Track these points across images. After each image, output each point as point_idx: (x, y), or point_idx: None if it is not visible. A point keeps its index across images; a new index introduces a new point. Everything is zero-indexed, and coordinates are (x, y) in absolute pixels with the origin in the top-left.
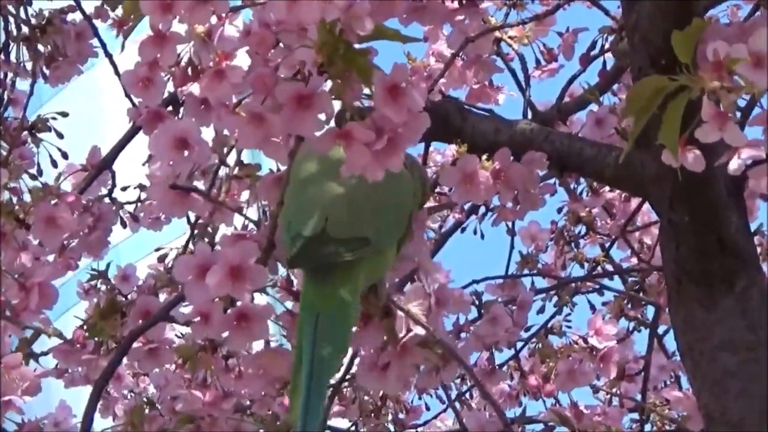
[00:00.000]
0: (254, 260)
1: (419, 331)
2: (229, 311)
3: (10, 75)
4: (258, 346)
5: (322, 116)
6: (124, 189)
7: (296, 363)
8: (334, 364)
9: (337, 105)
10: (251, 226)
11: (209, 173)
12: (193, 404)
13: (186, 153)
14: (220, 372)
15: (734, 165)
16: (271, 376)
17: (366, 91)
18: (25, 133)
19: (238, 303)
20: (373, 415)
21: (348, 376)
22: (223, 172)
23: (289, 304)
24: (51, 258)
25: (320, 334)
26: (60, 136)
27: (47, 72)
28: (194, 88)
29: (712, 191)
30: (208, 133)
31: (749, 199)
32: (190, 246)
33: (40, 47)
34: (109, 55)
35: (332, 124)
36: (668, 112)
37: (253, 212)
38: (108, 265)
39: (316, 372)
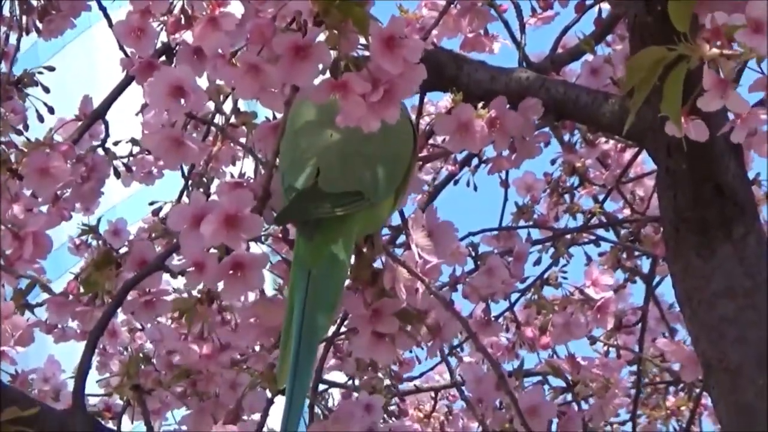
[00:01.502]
0: (250, 209)
1: (401, 293)
2: (224, 260)
3: (3, 29)
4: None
5: (319, 66)
6: (116, 143)
7: (287, 320)
8: (325, 322)
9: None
10: (247, 175)
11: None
12: (190, 358)
13: (182, 101)
14: (217, 325)
15: (737, 135)
16: (267, 326)
17: (362, 41)
18: (12, 88)
19: (233, 252)
20: (369, 368)
21: (344, 330)
22: (219, 120)
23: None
24: (44, 209)
25: (311, 291)
26: (46, 90)
27: (40, 26)
28: (187, 36)
29: (710, 139)
30: (202, 82)
31: (745, 148)
32: (184, 198)
33: (33, 1)
34: (102, 8)
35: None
36: (669, 83)
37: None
38: (99, 220)
39: (305, 331)
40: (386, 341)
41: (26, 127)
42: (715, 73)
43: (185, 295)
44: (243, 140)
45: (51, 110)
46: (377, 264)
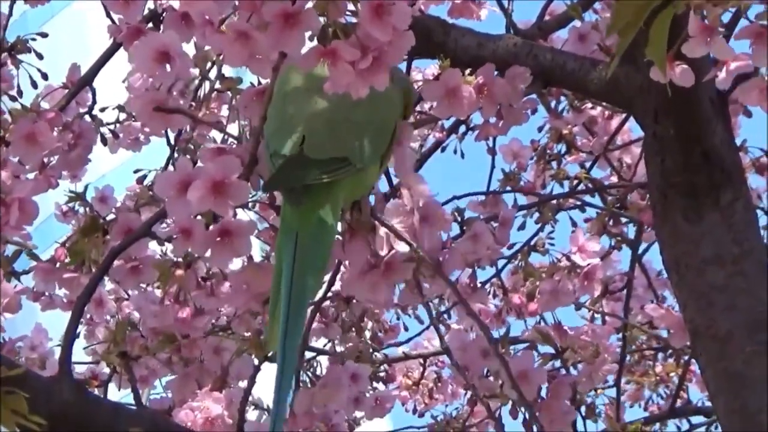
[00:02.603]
0: (237, 175)
1: (402, 247)
2: (211, 227)
3: None
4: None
5: (308, 33)
6: (103, 110)
7: (274, 285)
8: (314, 287)
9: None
10: (232, 141)
11: (189, 90)
12: (165, 320)
13: (168, 66)
14: (194, 289)
15: (722, 78)
16: (255, 292)
17: (350, 7)
18: (5, 54)
19: (221, 219)
20: (354, 332)
21: (329, 294)
22: (204, 87)
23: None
24: (31, 176)
25: (299, 256)
26: (40, 57)
27: None
28: (174, 2)
29: (697, 104)
30: (189, 48)
31: (732, 115)
32: (170, 167)
33: None
34: None
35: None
36: (654, 27)
37: (233, 128)
38: (86, 187)
39: (295, 294)
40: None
41: (20, 94)
42: (701, 19)
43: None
44: (227, 106)
45: (45, 76)
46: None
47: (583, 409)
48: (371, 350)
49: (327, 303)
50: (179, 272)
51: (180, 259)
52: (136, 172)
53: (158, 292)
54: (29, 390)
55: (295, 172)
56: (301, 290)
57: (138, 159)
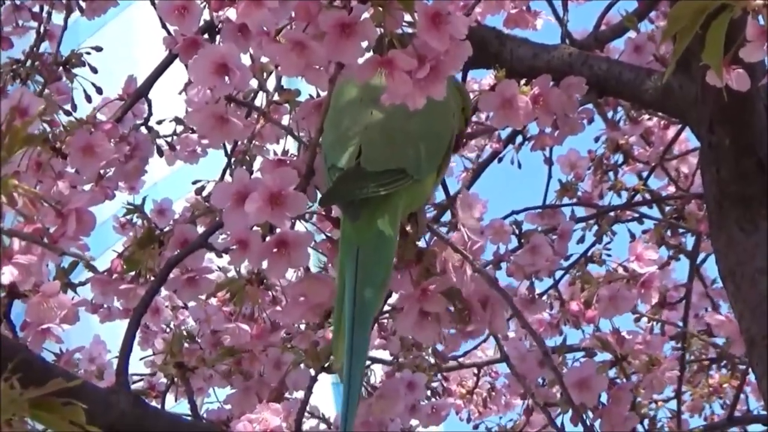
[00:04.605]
0: (294, 187)
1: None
2: (268, 238)
3: (46, 8)
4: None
5: (364, 43)
6: (160, 122)
7: (338, 300)
8: (377, 298)
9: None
10: (291, 152)
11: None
12: (241, 338)
13: (226, 78)
14: (267, 305)
15: None
16: (312, 303)
17: (407, 17)
18: (60, 68)
19: (278, 230)
20: (413, 347)
21: (389, 308)
22: (262, 98)
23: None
24: (88, 188)
25: (361, 269)
26: (94, 71)
27: (83, 4)
28: (231, 14)
29: (752, 113)
30: (245, 60)
31: None
32: (227, 176)
33: None
34: None
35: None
36: (711, 32)
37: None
38: (144, 200)
39: (358, 312)
40: (430, 321)
41: (74, 108)
42: (758, 23)
43: (231, 274)
44: (287, 117)
45: (99, 90)
46: (421, 243)
47: (645, 422)
48: (434, 365)
49: (386, 317)
50: (251, 288)
51: (250, 276)
52: (194, 183)
53: (217, 304)
54: (87, 401)
55: (352, 186)
56: (364, 305)
57: (191, 167)
